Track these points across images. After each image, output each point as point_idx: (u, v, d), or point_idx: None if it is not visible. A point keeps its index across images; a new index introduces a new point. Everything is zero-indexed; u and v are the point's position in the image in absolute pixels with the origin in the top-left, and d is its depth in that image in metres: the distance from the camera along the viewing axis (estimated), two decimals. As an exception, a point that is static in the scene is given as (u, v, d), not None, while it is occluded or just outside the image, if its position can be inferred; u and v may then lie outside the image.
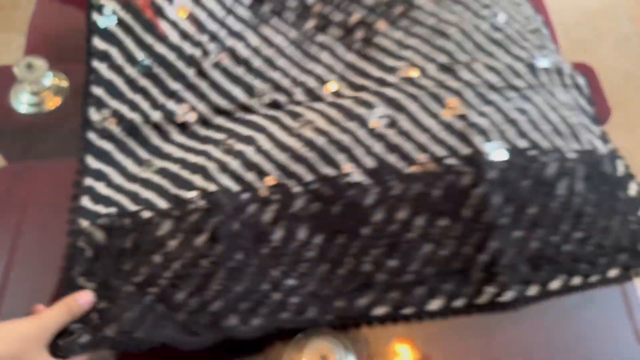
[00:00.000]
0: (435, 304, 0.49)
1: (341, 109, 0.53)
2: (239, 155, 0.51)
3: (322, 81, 0.57)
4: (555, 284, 0.50)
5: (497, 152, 0.51)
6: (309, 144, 0.51)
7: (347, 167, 0.51)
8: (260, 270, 0.48)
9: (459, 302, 0.49)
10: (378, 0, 0.60)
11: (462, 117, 0.51)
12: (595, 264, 0.51)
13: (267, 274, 0.48)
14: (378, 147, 0.51)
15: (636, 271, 0.52)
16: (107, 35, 0.58)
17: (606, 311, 0.52)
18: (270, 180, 0.50)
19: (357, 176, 0.50)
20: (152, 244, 0.47)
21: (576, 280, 0.50)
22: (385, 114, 0.52)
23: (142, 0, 0.58)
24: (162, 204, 0.49)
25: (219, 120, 0.55)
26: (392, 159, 0.51)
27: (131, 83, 0.56)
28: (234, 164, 0.50)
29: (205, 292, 0.46)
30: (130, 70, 0.57)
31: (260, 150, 0.51)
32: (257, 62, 0.57)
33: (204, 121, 0.55)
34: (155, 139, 0.55)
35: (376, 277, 0.49)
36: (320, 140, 0.51)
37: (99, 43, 0.58)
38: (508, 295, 0.48)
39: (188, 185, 0.50)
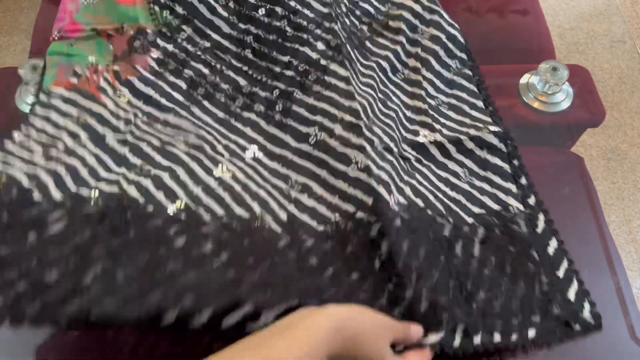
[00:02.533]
0: None
1: (259, 173, 0.57)
2: (154, 177, 0.53)
3: (245, 149, 0.60)
4: (477, 339, 0.48)
5: (397, 204, 0.54)
6: (226, 186, 0.54)
7: (261, 213, 0.54)
8: (146, 269, 0.47)
9: None
10: (296, 71, 0.65)
11: (366, 168, 0.55)
12: (508, 323, 0.50)
13: (154, 275, 0.47)
14: (291, 208, 0.55)
15: (553, 334, 0.50)
16: (48, 105, 0.62)
17: (601, 308, 0.52)
18: (180, 204, 0.52)
19: (270, 224, 0.53)
20: (30, 223, 0.47)
21: (497, 337, 0.49)
22: (299, 181, 0.57)
23: (89, 87, 0.63)
24: (57, 195, 0.51)
25: (142, 145, 0.57)
26: (304, 217, 0.54)
27: (60, 127, 0.60)
28: (145, 182, 0.53)
29: (80, 282, 0.45)
30: (63, 121, 0.60)
31: (175, 177, 0.54)
32: (185, 124, 0.60)
33: (125, 141, 0.58)
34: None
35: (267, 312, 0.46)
36: (237, 188, 0.55)
37: (39, 109, 0.61)
38: (431, 339, 0.47)
39: (90, 186, 0.52)
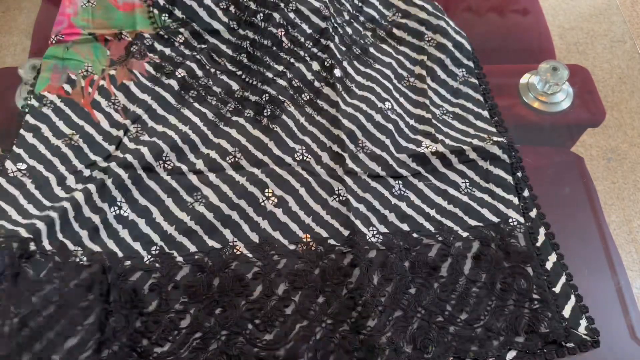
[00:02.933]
0: None
1: (235, 186, 0.57)
2: (131, 225, 0.55)
3: (226, 153, 0.60)
4: None
5: (376, 236, 0.55)
6: (198, 218, 0.55)
7: (233, 240, 0.54)
8: (128, 341, 0.48)
9: None
10: (289, 83, 0.65)
11: (346, 202, 0.56)
12: (484, 346, 0.49)
13: (138, 344, 0.48)
14: (265, 224, 0.55)
15: (535, 354, 0.49)
16: (40, 115, 0.61)
17: (601, 308, 0.53)
18: (155, 249, 0.54)
19: (241, 249, 0.54)
20: (29, 282, 0.48)
21: None
22: (275, 194, 0.57)
23: (84, 101, 0.63)
24: (47, 244, 0.51)
25: (120, 172, 0.56)
26: (276, 235, 0.55)
27: (52, 149, 0.59)
28: (123, 233, 0.54)
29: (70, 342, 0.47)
30: (54, 140, 0.60)
31: (151, 222, 0.55)
32: (170, 132, 0.60)
33: (105, 170, 0.57)
34: (59, 192, 0.57)
35: (247, 349, 0.49)
36: (210, 215, 0.55)
37: (30, 119, 0.61)
38: None
39: (75, 238, 0.53)
